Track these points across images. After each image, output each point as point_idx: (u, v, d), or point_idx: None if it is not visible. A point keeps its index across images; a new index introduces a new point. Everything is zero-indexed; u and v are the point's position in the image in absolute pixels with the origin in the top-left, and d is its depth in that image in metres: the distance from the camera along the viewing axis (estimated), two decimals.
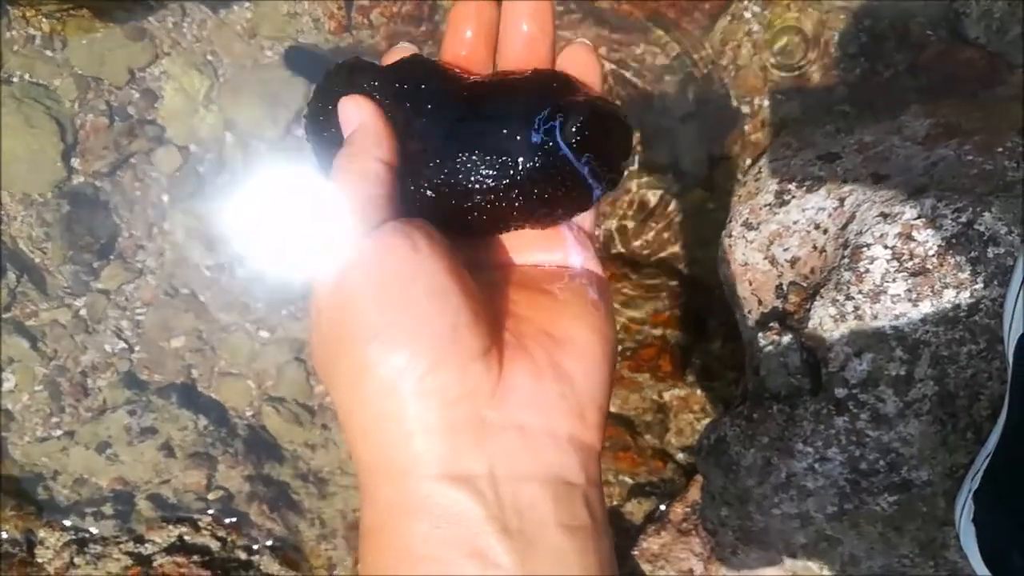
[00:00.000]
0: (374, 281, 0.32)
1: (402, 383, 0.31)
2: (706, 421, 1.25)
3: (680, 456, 1.26)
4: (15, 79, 1.27)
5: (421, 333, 0.31)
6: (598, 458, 0.34)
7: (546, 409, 0.33)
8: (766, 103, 1.20)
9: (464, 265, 0.35)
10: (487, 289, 0.36)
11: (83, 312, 1.30)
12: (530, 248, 0.40)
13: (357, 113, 0.37)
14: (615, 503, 1.25)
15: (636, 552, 1.17)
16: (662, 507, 1.23)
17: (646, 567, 1.15)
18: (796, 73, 1.20)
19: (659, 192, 1.23)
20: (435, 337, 0.31)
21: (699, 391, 1.26)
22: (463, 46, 0.39)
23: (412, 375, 0.31)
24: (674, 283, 1.25)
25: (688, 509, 1.18)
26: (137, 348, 1.31)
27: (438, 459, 0.31)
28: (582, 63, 0.39)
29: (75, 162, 1.28)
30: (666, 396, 1.27)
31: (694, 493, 1.18)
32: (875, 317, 0.82)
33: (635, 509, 1.24)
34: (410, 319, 0.31)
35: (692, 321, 1.26)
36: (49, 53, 1.27)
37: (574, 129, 0.35)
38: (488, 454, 0.31)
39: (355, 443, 0.33)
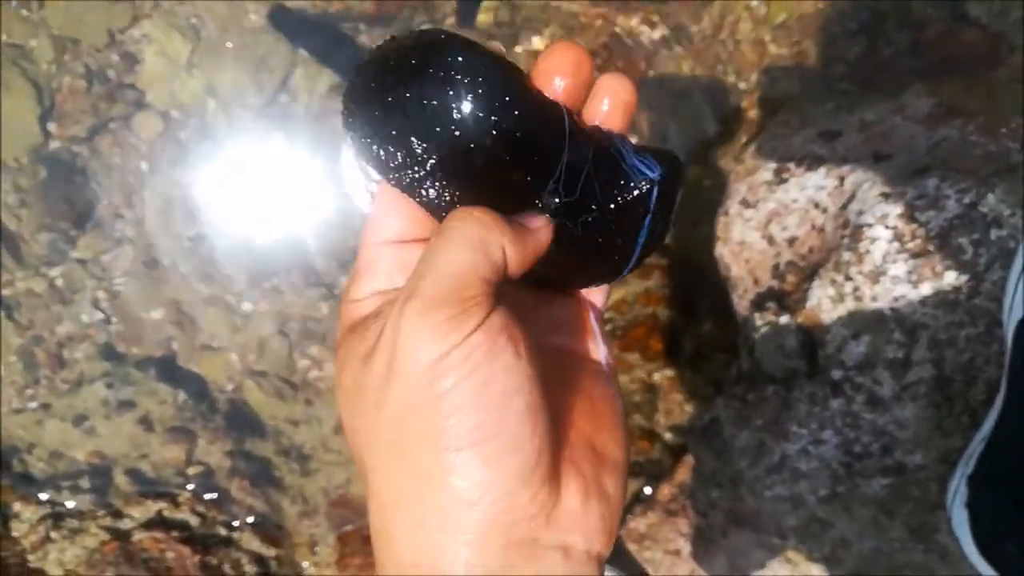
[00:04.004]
0: (476, 385, 0.30)
1: (477, 499, 0.30)
2: (695, 402, 1.24)
3: (668, 437, 1.25)
4: None
5: (512, 455, 0.31)
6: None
7: (589, 531, 0.33)
8: (764, 79, 1.18)
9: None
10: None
11: (59, 282, 1.27)
12: (560, 335, 0.39)
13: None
14: None
15: (623, 532, 1.16)
16: (649, 488, 1.22)
17: (633, 547, 1.14)
18: (795, 49, 1.18)
19: None
20: (524, 461, 0.31)
21: (689, 372, 1.25)
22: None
23: (490, 495, 0.30)
24: (665, 262, 1.23)
25: (676, 490, 1.17)
26: (115, 319, 1.27)
27: (489, 573, 0.31)
28: (621, 97, 0.37)
29: (52, 126, 1.24)
30: (655, 376, 1.26)
31: (682, 474, 1.17)
32: (874, 298, 0.80)
33: None
34: (506, 438, 0.30)
35: (683, 301, 1.25)
36: (25, 13, 1.22)
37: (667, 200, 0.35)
38: (534, 572, 0.32)
39: (393, 532, 0.32)
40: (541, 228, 0.35)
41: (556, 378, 0.36)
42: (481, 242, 0.32)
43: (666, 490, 1.16)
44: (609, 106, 0.36)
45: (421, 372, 0.30)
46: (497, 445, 0.30)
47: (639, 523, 1.16)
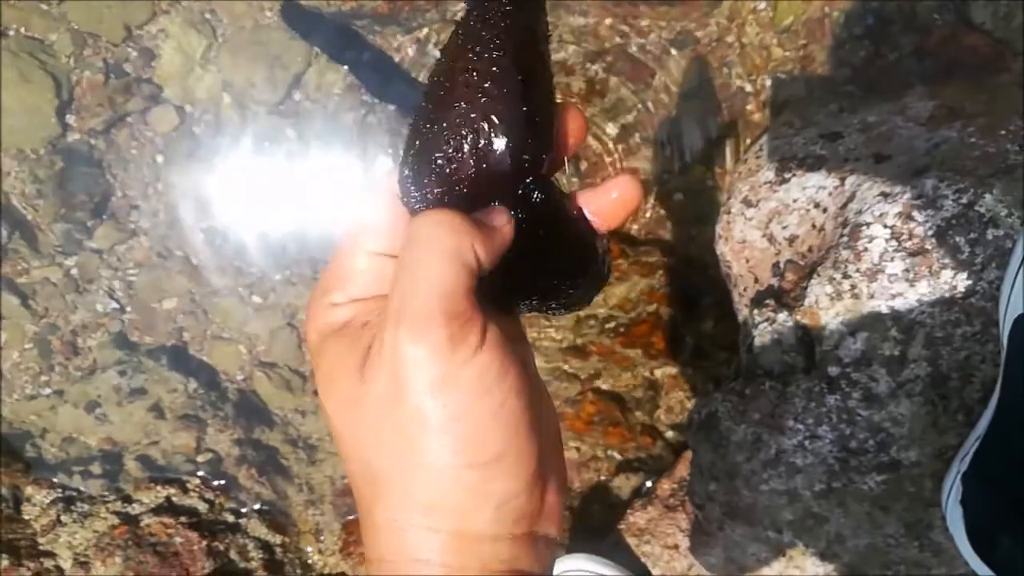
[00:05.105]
0: (492, 407, 0.32)
1: (496, 505, 0.33)
2: (696, 399, 1.25)
3: (669, 434, 1.27)
4: (11, 32, 1.25)
5: (525, 465, 0.34)
6: None
7: (558, 521, 0.37)
8: (769, 82, 1.20)
9: None
10: None
11: (74, 271, 1.29)
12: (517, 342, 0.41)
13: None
14: (603, 478, 1.25)
15: (622, 526, 1.18)
16: (649, 483, 1.24)
17: (631, 541, 1.16)
18: (801, 53, 1.19)
19: (658, 168, 1.23)
20: (532, 469, 0.34)
21: (690, 369, 1.26)
22: None
23: (506, 501, 0.34)
24: (670, 260, 1.25)
25: (675, 485, 1.18)
26: (129, 309, 1.30)
27: (502, 561, 0.34)
28: (627, 196, 0.40)
29: (70, 119, 1.26)
30: (657, 373, 1.27)
31: (682, 470, 1.18)
32: (871, 296, 0.82)
33: (622, 484, 1.24)
34: (519, 451, 0.33)
35: (686, 299, 1.26)
36: (45, 7, 1.25)
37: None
38: (532, 558, 0.35)
39: (401, 527, 0.34)
40: (504, 225, 0.36)
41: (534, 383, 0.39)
42: (458, 251, 0.33)
43: (665, 485, 1.18)
44: (614, 203, 0.39)
45: (431, 394, 0.32)
46: (512, 459, 0.33)
47: (639, 517, 1.17)
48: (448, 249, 0.33)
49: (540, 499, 0.35)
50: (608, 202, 0.39)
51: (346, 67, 1.25)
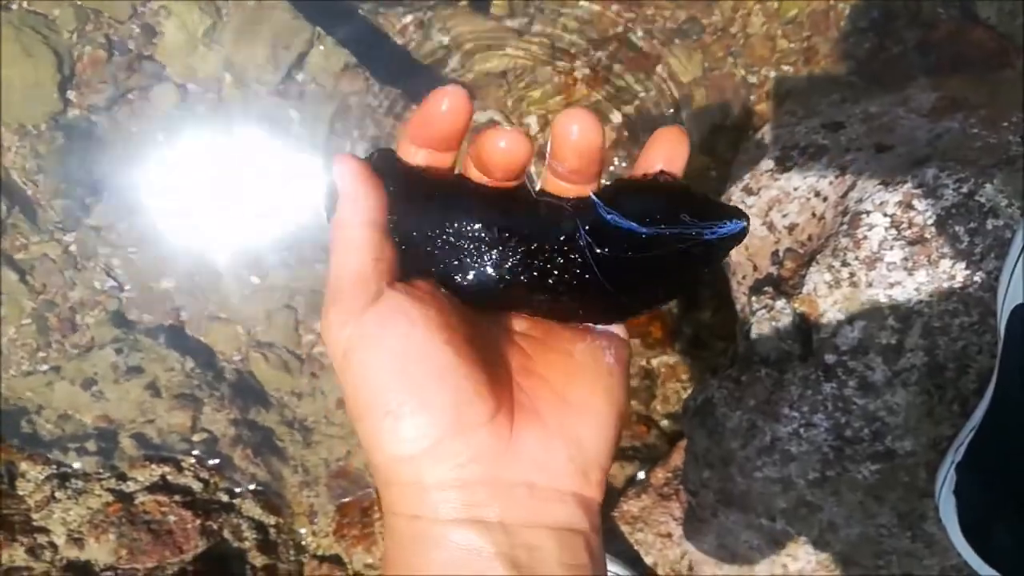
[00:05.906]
0: (379, 361, 0.35)
1: (415, 452, 0.34)
2: (692, 389, 1.25)
3: (664, 423, 1.27)
4: (14, 6, 1.24)
5: (426, 410, 0.34)
6: (599, 509, 0.38)
7: (553, 471, 0.36)
8: (773, 73, 1.20)
9: (476, 320, 0.38)
10: (504, 342, 0.39)
11: (73, 248, 1.29)
12: None
13: (340, 177, 0.39)
14: None
15: (616, 514, 1.18)
16: (643, 472, 1.24)
17: (625, 528, 1.16)
18: (805, 45, 1.19)
19: None
20: (439, 412, 0.34)
21: (687, 360, 1.26)
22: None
23: (423, 444, 0.34)
24: None
25: (669, 474, 1.18)
26: (127, 287, 1.30)
27: (454, 509, 0.34)
28: (675, 149, 0.39)
29: (71, 94, 1.26)
30: (654, 363, 1.27)
31: (676, 459, 1.18)
32: (870, 284, 0.82)
33: (617, 472, 1.24)
34: (415, 398, 0.34)
35: None
36: None
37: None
38: (500, 505, 0.35)
39: (379, 486, 0.36)
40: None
41: (533, 336, 0.40)
42: (350, 240, 0.36)
43: (660, 474, 1.18)
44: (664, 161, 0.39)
45: (337, 360, 0.36)
46: (410, 406, 0.34)
47: (632, 506, 1.18)
48: (342, 242, 0.37)
49: (491, 445, 0.35)
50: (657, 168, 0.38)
51: (349, 48, 1.25)
